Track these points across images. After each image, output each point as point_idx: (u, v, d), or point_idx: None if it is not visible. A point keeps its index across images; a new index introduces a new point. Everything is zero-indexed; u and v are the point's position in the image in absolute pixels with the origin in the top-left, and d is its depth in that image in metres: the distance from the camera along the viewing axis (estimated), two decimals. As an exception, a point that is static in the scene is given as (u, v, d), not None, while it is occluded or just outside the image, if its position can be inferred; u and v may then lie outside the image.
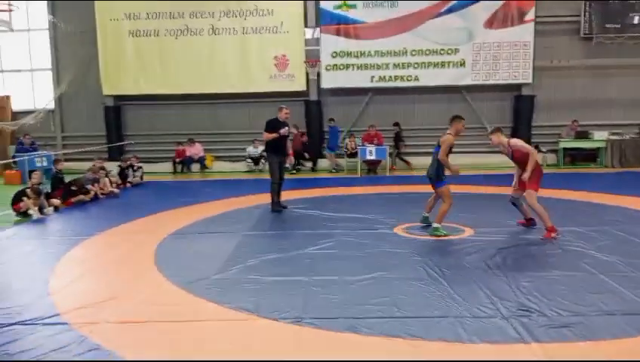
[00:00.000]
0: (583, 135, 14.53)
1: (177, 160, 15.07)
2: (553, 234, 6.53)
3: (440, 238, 6.67)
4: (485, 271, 5.29)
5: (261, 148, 14.85)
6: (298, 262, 5.75)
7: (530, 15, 14.63)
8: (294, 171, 13.96)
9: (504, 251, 6.00)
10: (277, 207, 8.64)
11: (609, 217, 7.66)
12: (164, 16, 15.20)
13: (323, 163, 15.17)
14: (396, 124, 14.96)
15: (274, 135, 8.45)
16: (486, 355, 3.53)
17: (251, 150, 14.97)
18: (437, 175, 6.96)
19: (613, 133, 14.42)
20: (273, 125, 8.52)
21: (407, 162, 14.66)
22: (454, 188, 7.60)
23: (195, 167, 15.12)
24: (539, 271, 5.27)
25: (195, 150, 15.13)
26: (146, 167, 13.88)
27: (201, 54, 15.27)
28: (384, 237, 6.77)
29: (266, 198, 8.87)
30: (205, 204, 9.63)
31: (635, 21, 14.50)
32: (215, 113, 16.03)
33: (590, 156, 14.78)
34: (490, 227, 7.13)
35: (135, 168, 12.72)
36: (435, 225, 6.87)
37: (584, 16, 14.68)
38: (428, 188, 7.21)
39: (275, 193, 8.65)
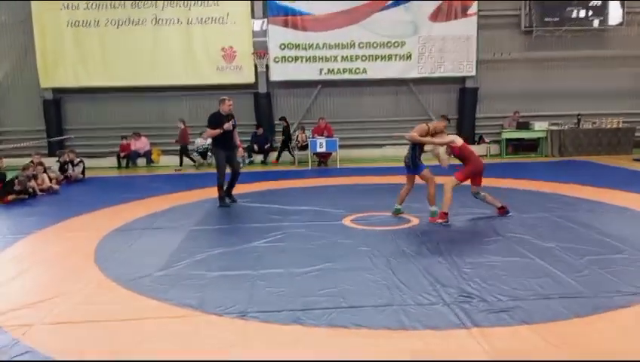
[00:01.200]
0: (524, 126, 15.07)
1: (122, 154, 14.60)
2: (440, 221, 6.82)
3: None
4: (429, 258, 5.39)
5: (209, 140, 14.59)
6: (245, 256, 5.68)
7: (473, 9, 15.02)
8: (246, 164, 13.79)
9: (448, 239, 6.14)
10: (224, 202, 8.38)
11: (548, 204, 7.96)
12: (105, 6, 14.64)
13: (274, 155, 15.05)
14: (282, 119, 14.89)
15: (217, 131, 8.12)
16: (427, 341, 3.59)
17: (199, 141, 14.69)
18: (413, 162, 7.08)
19: (553, 124, 15.03)
20: (216, 120, 8.20)
21: (293, 156, 14.55)
22: (401, 179, 7.73)
23: (141, 161, 14.70)
24: (480, 257, 5.41)
25: (141, 144, 14.71)
26: (90, 162, 13.39)
27: (144, 45, 14.81)
28: (332, 229, 6.79)
29: (214, 192, 8.71)
30: (151, 199, 9.37)
31: (573, 15, 15.11)
32: (161, 106, 15.64)
33: (531, 146, 15.35)
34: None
35: (75, 163, 12.22)
36: (432, 208, 7.07)
37: (524, 10, 15.18)
38: (376, 180, 7.31)
39: (222, 188, 8.38)
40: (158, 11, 14.73)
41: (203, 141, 14.58)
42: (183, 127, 14.41)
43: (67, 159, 12.10)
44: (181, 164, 14.29)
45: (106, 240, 6.52)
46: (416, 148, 7.04)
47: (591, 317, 3.91)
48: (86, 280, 5.02)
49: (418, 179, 7.27)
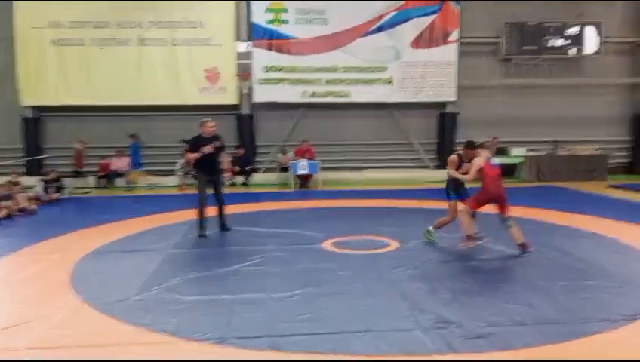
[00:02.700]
0: (502, 151, 15.32)
1: (101, 174, 14.45)
2: (464, 245, 6.82)
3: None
4: (408, 283, 5.42)
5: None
6: (224, 280, 5.65)
7: (454, 36, 15.35)
8: (226, 185, 13.73)
9: (427, 264, 6.19)
10: (202, 231, 7.76)
11: (526, 229, 8.05)
12: (90, 25, 14.65)
13: (256, 177, 15.03)
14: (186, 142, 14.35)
15: (195, 155, 7.60)
16: (405, 368, 3.61)
17: (181, 162, 14.62)
18: (446, 190, 7.27)
19: (530, 150, 15.31)
20: (195, 143, 7.70)
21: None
22: (382, 203, 7.79)
23: (121, 181, 14.55)
24: (459, 282, 5.47)
25: (122, 163, 14.57)
26: (69, 182, 13.19)
27: (128, 65, 14.80)
28: (312, 253, 6.80)
29: (193, 214, 8.62)
30: (130, 220, 9.26)
31: (550, 43, 15.55)
32: (144, 126, 15.53)
33: (509, 171, 15.58)
34: (415, 240, 7.33)
35: (56, 183, 12.07)
36: (429, 228, 7.29)
37: (504, 38, 15.57)
38: (357, 203, 7.36)
39: (202, 215, 7.78)
40: (143, 32, 14.77)
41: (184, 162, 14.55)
42: (79, 147, 14.02)
43: (53, 177, 11.98)
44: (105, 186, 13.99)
45: (82, 263, 6.42)
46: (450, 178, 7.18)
47: (565, 343, 3.96)
48: (61, 304, 4.94)
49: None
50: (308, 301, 4.94)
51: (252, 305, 4.84)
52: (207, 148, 7.59)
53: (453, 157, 7.16)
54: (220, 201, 8.03)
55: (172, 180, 14.59)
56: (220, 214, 8.06)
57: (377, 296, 5.05)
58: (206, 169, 7.79)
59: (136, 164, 14.34)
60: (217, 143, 7.76)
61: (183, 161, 14.31)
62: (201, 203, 7.77)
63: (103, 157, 14.61)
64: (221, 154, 7.98)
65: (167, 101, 15.04)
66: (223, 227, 8.07)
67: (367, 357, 3.76)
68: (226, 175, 8.20)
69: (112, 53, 14.77)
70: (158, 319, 4.51)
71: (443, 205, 7.62)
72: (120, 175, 14.49)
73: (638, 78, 16.10)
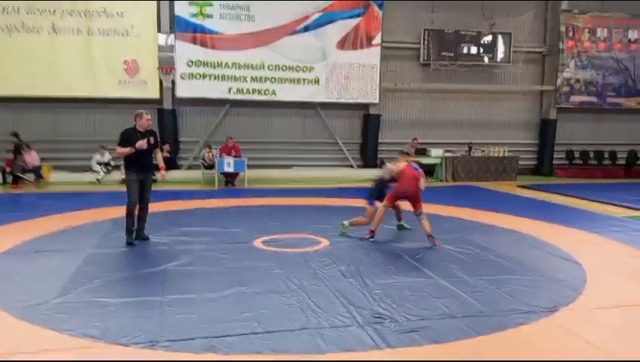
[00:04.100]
0: (422, 152, 15.93)
1: (7, 170, 13.36)
2: (367, 236, 7.39)
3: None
4: (341, 281, 5.49)
5: (107, 155, 13.86)
6: (152, 281, 5.41)
7: (377, 40, 15.73)
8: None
9: (357, 260, 6.30)
10: (130, 238, 7.03)
11: (445, 226, 8.44)
12: (-3, 11, 13.51)
13: (176, 174, 14.55)
14: (15, 135, 13.32)
15: (127, 150, 6.83)
16: (344, 364, 3.64)
17: (97, 158, 13.90)
18: (369, 195, 7.78)
19: (447, 151, 16.05)
20: (128, 137, 6.89)
21: (27, 179, 13.37)
22: (310, 201, 7.83)
23: (30, 177, 13.52)
24: (389, 278, 5.60)
25: (30, 158, 13.55)
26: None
27: (38, 54, 13.78)
28: (244, 251, 6.69)
29: (114, 212, 8.24)
30: (43, 218, 8.64)
31: (465, 51, 16.37)
32: (55, 119, 14.59)
33: (429, 171, 16.24)
34: (344, 237, 7.46)
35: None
36: (345, 222, 7.68)
37: (423, 44, 16.18)
38: (285, 201, 7.33)
39: (131, 218, 7.03)
40: (56, 19, 13.82)
41: (100, 157, 13.85)
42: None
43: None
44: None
45: (-9, 265, 5.90)
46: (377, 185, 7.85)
47: (492, 334, 4.18)
48: (-30, 311, 4.51)
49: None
50: (242, 300, 4.85)
51: (183, 306, 4.68)
52: (140, 143, 6.83)
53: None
54: (145, 203, 7.19)
55: (88, 176, 13.81)
56: (140, 218, 7.17)
57: (311, 293, 5.06)
58: (138, 166, 6.98)
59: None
60: (152, 139, 7.05)
61: (97, 156, 13.68)
62: (132, 204, 7.01)
63: (9, 150, 13.50)
64: (156, 150, 7.31)
65: (83, 93, 14.20)
66: (140, 235, 7.17)
67: (307, 357, 3.75)
68: (162, 173, 7.42)
69: (21, 41, 13.70)
70: (82, 323, 4.24)
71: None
72: (29, 170, 13.48)
73: (545, 86, 17.36)
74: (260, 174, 14.54)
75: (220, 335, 4.05)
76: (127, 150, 6.84)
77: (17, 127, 13.95)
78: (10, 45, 13.67)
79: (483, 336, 4.13)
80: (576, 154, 17.70)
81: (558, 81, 17.06)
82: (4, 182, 13.29)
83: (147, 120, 7.02)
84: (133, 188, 6.98)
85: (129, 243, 6.97)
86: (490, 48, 16.53)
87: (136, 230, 7.14)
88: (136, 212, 7.09)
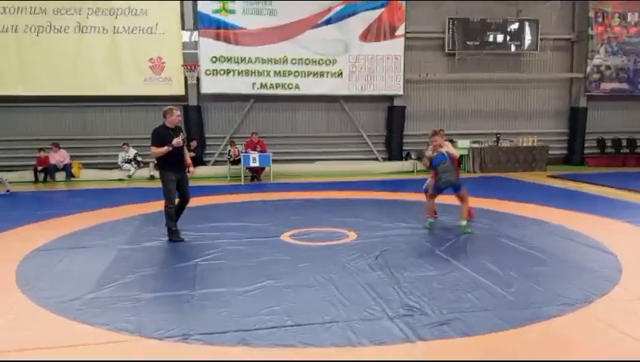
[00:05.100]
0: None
1: (39, 168, 13.70)
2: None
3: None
4: (370, 273, 5.46)
5: (132, 151, 14.08)
6: (182, 276, 5.48)
7: (401, 31, 15.58)
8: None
9: (385, 253, 6.25)
10: (176, 236, 6.93)
11: (476, 218, 8.32)
12: (24, 11, 13.79)
13: (203, 170, 14.71)
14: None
15: (165, 149, 6.66)
16: (375, 357, 3.62)
17: (123, 155, 14.15)
18: (438, 187, 7.62)
19: (474, 142, 15.82)
20: (162, 136, 6.71)
21: None
22: (335, 195, 7.81)
23: (61, 175, 13.86)
24: (417, 271, 5.55)
25: (60, 157, 13.88)
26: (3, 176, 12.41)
27: (66, 54, 14.10)
28: (271, 245, 6.72)
29: (143, 208, 8.36)
30: (74, 215, 8.83)
31: (491, 39, 16.08)
32: (83, 117, 14.90)
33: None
34: (372, 231, 7.41)
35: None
36: (462, 222, 7.46)
37: (448, 33, 15.94)
38: (310, 195, 7.31)
39: (172, 220, 6.94)
40: (82, 19, 14.08)
41: (125, 154, 14.09)
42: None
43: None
44: None
45: (26, 262, 6.04)
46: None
47: (525, 327, 4.11)
48: (9, 305, 4.63)
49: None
50: (272, 294, 4.87)
51: (214, 300, 4.72)
52: (177, 141, 6.69)
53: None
54: (185, 200, 7.10)
55: (117, 174, 14.06)
56: (180, 207, 7.15)
57: (341, 286, 5.04)
58: (174, 165, 6.83)
59: None
60: (183, 135, 6.95)
61: (122, 153, 13.91)
62: (171, 203, 6.88)
63: (41, 149, 13.85)
64: (184, 147, 7.14)
65: (109, 92, 14.48)
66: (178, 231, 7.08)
67: (339, 349, 3.75)
68: (191, 169, 7.28)
69: (49, 40, 14.01)
70: (116, 317, 4.31)
71: (394, 196, 7.77)
72: (59, 169, 13.80)
73: (574, 73, 16.95)
74: (285, 169, 14.61)
75: (251, 329, 4.07)
76: (164, 149, 6.67)
77: (47, 126, 14.33)
78: (36, 45, 13.98)
79: (516, 329, 4.06)
80: (608, 143, 17.27)
81: (588, 68, 16.66)
82: (37, 180, 13.63)
83: (177, 116, 6.89)
84: (171, 190, 6.85)
85: (173, 240, 6.89)
86: (517, 36, 16.20)
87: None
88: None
